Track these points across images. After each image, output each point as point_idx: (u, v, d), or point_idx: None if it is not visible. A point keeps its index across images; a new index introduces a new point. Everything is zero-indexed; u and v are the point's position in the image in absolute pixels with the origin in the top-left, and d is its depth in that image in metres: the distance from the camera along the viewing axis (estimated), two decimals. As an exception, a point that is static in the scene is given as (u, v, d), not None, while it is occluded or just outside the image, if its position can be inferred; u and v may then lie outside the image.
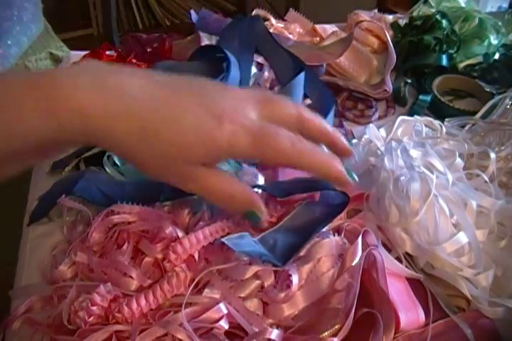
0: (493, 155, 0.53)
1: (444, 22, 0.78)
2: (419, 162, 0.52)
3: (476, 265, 0.44)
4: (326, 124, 0.38)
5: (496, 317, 0.42)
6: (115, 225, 0.47)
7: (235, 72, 0.62)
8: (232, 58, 0.63)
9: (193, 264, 0.43)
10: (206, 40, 0.70)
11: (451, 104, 0.70)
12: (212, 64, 0.65)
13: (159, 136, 0.33)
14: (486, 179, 0.50)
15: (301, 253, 0.43)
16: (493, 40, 0.81)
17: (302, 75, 0.66)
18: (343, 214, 0.49)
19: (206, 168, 0.35)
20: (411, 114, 0.66)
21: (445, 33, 0.77)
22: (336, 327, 0.38)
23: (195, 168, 0.35)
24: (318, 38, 0.82)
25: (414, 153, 0.53)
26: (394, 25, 0.85)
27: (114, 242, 0.46)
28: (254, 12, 0.85)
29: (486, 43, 0.80)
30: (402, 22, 0.85)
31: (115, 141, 0.33)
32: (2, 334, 0.42)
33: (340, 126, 0.67)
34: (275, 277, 0.42)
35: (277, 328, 0.38)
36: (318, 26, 0.84)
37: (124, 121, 0.32)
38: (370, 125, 0.62)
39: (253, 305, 0.40)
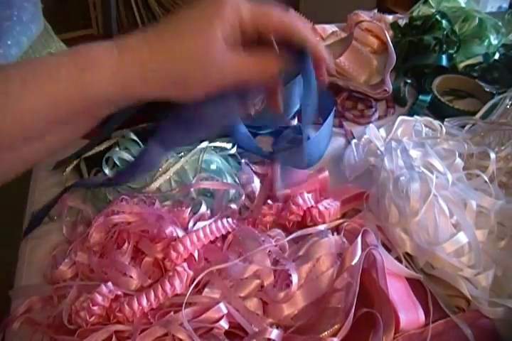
0: (493, 156, 0.53)
1: (444, 22, 0.78)
2: (419, 162, 0.52)
3: (476, 265, 0.44)
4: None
5: (495, 317, 0.43)
6: (115, 225, 0.47)
7: None
8: None
9: (193, 264, 0.43)
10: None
11: (451, 104, 0.70)
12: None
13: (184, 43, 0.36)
14: (486, 179, 0.50)
15: (300, 253, 0.43)
16: (493, 40, 0.81)
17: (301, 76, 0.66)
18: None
19: (234, 51, 0.38)
20: (411, 114, 0.66)
21: (445, 33, 0.77)
22: (336, 326, 0.38)
23: (223, 51, 0.37)
24: (318, 38, 0.82)
25: (414, 153, 0.53)
26: (394, 26, 0.84)
27: (114, 242, 0.46)
28: (254, 12, 0.85)
29: (486, 43, 0.81)
30: (402, 22, 0.85)
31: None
32: (2, 334, 0.42)
33: (340, 126, 0.67)
34: (274, 276, 0.42)
35: (277, 328, 0.38)
36: (318, 26, 0.84)
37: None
38: (370, 125, 0.62)
39: (253, 304, 0.40)
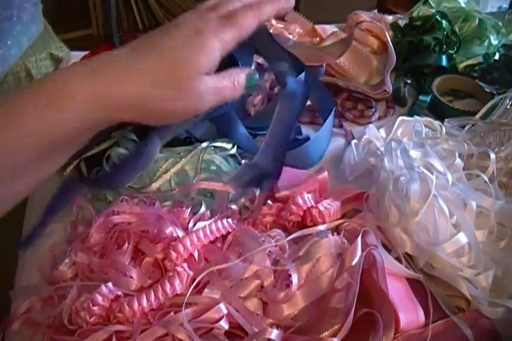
0: (492, 156, 0.53)
1: (444, 22, 0.78)
2: (418, 162, 0.52)
3: (476, 265, 0.44)
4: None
5: (495, 317, 0.43)
6: (115, 225, 0.47)
7: None
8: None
9: (193, 264, 0.43)
10: (206, 40, 0.70)
11: (451, 104, 0.70)
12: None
13: (168, 82, 0.37)
14: (486, 179, 0.50)
15: (300, 253, 0.43)
16: (493, 40, 0.81)
17: (302, 76, 0.66)
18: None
19: (210, 76, 0.39)
20: (411, 115, 0.66)
21: (445, 33, 0.77)
22: (336, 326, 0.38)
23: (205, 81, 0.38)
24: (318, 39, 0.82)
25: (414, 153, 0.53)
26: (394, 26, 0.85)
27: (114, 242, 0.46)
28: (254, 12, 0.85)
29: (486, 43, 0.81)
30: (402, 22, 0.85)
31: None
32: (2, 334, 0.42)
33: (340, 126, 0.67)
34: (275, 277, 0.42)
35: (277, 328, 0.38)
36: (318, 26, 0.84)
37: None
38: (370, 125, 0.62)
39: (253, 305, 0.40)
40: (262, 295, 0.41)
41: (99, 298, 0.39)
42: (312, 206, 0.48)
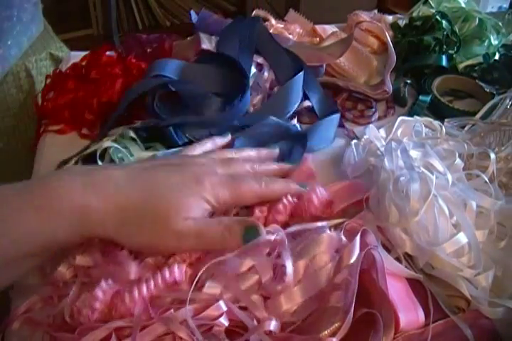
0: (492, 156, 0.53)
1: (444, 22, 0.78)
2: (418, 162, 0.52)
3: (476, 265, 0.44)
4: (271, 165, 0.50)
5: (495, 317, 0.43)
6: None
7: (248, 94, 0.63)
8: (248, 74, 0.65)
9: (192, 262, 0.43)
10: (206, 40, 0.70)
11: (451, 104, 0.70)
12: (224, 70, 0.66)
13: (151, 217, 0.38)
14: (486, 179, 0.50)
15: (298, 248, 0.43)
16: (494, 40, 0.81)
17: (301, 75, 0.66)
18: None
19: (196, 219, 0.40)
20: (411, 115, 0.66)
21: (445, 33, 0.77)
22: (336, 325, 0.38)
23: (186, 222, 0.39)
24: (318, 39, 0.82)
25: (414, 153, 0.53)
26: (394, 26, 0.85)
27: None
28: (254, 12, 0.85)
29: (486, 44, 0.81)
30: (402, 22, 0.85)
31: (113, 232, 0.39)
32: (2, 334, 0.42)
33: (340, 126, 0.67)
34: (274, 273, 0.42)
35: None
36: (318, 27, 0.84)
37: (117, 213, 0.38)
38: (370, 125, 0.62)
39: (254, 300, 0.40)
40: (261, 290, 0.41)
41: (100, 293, 0.39)
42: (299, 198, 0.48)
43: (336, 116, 0.65)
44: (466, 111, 0.67)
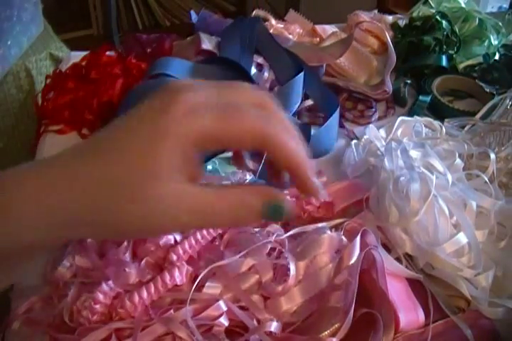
0: (492, 156, 0.53)
1: (444, 22, 0.78)
2: (419, 162, 0.52)
3: (476, 265, 0.44)
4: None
5: (495, 317, 0.43)
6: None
7: None
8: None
9: (192, 262, 0.43)
10: (206, 40, 0.70)
11: (451, 104, 0.70)
12: (227, 71, 0.66)
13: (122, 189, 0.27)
14: (486, 179, 0.50)
15: (298, 249, 0.43)
16: (494, 40, 0.81)
17: (301, 75, 0.66)
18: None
19: (191, 184, 0.27)
20: (411, 115, 0.66)
21: (445, 33, 0.77)
22: (336, 326, 0.38)
23: (176, 189, 0.27)
24: (318, 39, 0.82)
25: (414, 153, 0.53)
26: (394, 26, 0.85)
27: (112, 242, 0.46)
28: (254, 13, 0.85)
29: (486, 44, 0.81)
30: (402, 22, 0.85)
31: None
32: (2, 334, 0.42)
33: (341, 126, 0.67)
34: (274, 273, 0.42)
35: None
36: (318, 27, 0.84)
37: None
38: (370, 125, 0.62)
39: (254, 301, 0.40)
40: (262, 290, 0.41)
41: (101, 296, 0.39)
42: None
43: (336, 118, 0.64)
44: (466, 111, 0.67)
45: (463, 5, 0.85)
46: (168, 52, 0.74)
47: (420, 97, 0.71)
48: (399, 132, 0.61)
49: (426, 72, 0.76)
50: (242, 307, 0.40)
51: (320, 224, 0.47)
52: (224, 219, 0.28)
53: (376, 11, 0.90)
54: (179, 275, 0.41)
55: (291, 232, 0.45)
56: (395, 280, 0.43)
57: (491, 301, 0.43)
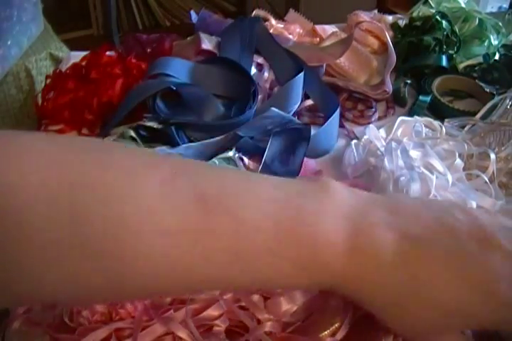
0: (493, 156, 0.53)
1: (444, 22, 0.78)
2: (419, 162, 0.52)
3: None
4: None
5: (495, 317, 0.42)
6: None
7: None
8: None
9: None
10: (206, 40, 0.70)
11: (451, 104, 0.70)
12: (228, 72, 0.66)
13: (411, 311, 0.30)
14: (486, 179, 0.50)
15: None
16: (494, 40, 0.81)
17: (301, 75, 0.66)
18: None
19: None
20: (411, 115, 0.66)
21: (445, 33, 0.77)
22: (336, 325, 0.38)
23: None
24: (318, 39, 0.82)
25: (414, 153, 0.53)
26: (394, 26, 0.85)
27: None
28: (254, 13, 0.85)
29: (486, 44, 0.81)
30: (402, 22, 0.85)
31: (361, 301, 0.32)
32: (2, 334, 0.42)
33: (341, 126, 0.67)
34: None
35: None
36: (318, 27, 0.84)
37: (377, 292, 0.30)
38: (370, 125, 0.62)
39: (254, 300, 0.40)
40: (262, 290, 0.41)
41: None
42: None
43: (336, 118, 0.64)
44: (466, 111, 0.67)
45: (463, 5, 0.85)
46: (168, 52, 0.74)
47: (420, 97, 0.71)
48: (399, 132, 0.61)
49: (426, 72, 0.76)
50: (242, 307, 0.40)
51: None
52: None
53: (376, 11, 0.90)
54: None
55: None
56: (395, 280, 0.43)
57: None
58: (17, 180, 0.24)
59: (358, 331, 0.38)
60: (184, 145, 0.55)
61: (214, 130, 0.58)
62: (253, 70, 0.68)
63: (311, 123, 0.67)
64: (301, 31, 0.84)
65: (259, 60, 0.70)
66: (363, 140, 0.60)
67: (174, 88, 0.62)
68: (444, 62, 0.75)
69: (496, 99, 0.66)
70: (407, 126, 0.62)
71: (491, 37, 0.80)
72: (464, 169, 0.53)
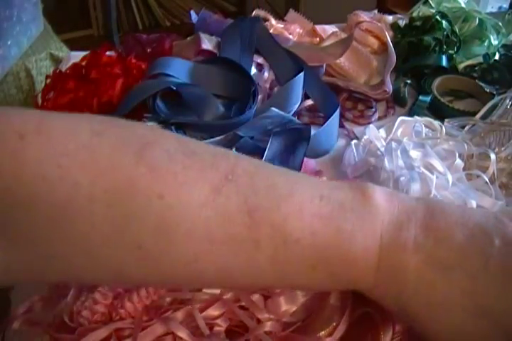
0: (493, 156, 0.53)
1: (444, 22, 0.78)
2: (419, 162, 0.52)
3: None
4: None
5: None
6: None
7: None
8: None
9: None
10: (206, 40, 0.70)
11: (451, 104, 0.70)
12: (228, 72, 0.66)
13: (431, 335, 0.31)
14: (486, 180, 0.51)
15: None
16: (494, 40, 0.81)
17: (301, 75, 0.66)
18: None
19: None
20: (411, 115, 0.66)
21: (445, 33, 0.77)
22: (334, 324, 0.38)
23: None
24: (318, 39, 0.82)
25: (414, 153, 0.53)
26: (394, 26, 0.84)
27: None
28: (254, 13, 0.85)
29: (486, 44, 0.81)
30: (402, 22, 0.85)
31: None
32: (2, 334, 0.42)
33: (341, 126, 0.67)
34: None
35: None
36: (318, 27, 0.84)
37: (401, 312, 0.31)
38: (370, 125, 0.62)
39: (254, 300, 0.40)
40: (261, 290, 0.41)
41: (101, 296, 0.39)
42: None
43: (336, 118, 0.64)
44: (466, 111, 0.67)
45: (463, 5, 0.85)
46: (168, 52, 0.74)
47: (420, 97, 0.71)
48: (399, 132, 0.61)
49: (426, 72, 0.76)
50: (242, 307, 0.40)
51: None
52: None
53: (376, 11, 0.90)
54: None
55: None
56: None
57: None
58: (81, 180, 0.25)
59: (356, 330, 0.38)
60: None
61: (214, 130, 0.58)
62: (253, 70, 0.68)
63: (311, 123, 0.67)
64: (301, 31, 0.84)
65: (259, 60, 0.70)
66: (363, 140, 0.60)
67: (174, 88, 0.62)
68: (444, 62, 0.75)
69: (496, 99, 0.66)
70: (407, 126, 0.62)
71: (491, 37, 0.80)
72: (464, 169, 0.53)
